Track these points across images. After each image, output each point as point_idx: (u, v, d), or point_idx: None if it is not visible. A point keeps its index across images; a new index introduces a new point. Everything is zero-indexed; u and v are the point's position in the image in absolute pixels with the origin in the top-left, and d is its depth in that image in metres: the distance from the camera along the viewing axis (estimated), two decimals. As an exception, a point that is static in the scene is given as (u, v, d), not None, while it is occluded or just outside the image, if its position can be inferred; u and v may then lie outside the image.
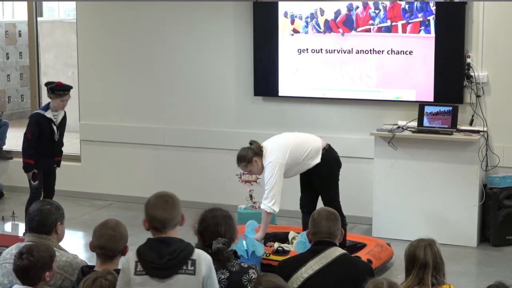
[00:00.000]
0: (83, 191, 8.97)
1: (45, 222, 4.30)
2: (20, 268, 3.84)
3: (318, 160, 6.43)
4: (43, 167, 7.42)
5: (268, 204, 6.38)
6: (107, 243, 3.90)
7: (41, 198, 7.28)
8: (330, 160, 6.52)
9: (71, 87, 7.35)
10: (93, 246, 3.94)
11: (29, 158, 7.30)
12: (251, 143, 6.51)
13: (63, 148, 7.62)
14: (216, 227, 4.05)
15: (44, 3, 13.59)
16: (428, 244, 4.01)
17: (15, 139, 11.02)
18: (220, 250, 3.97)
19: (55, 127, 7.32)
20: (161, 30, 8.52)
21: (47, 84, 7.35)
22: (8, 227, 6.30)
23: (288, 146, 6.42)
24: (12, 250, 4.29)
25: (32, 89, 9.62)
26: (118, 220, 4.04)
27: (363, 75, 7.71)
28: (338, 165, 6.60)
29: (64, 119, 7.44)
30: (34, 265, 3.82)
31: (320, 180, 6.49)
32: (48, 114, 7.28)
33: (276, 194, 6.34)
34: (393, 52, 7.55)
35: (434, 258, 3.98)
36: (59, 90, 7.23)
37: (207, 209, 4.18)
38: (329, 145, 6.57)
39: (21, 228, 6.06)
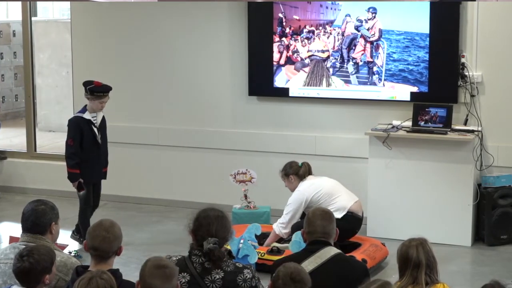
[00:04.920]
0: (78, 191, 8.94)
1: (39, 222, 4.27)
2: (20, 270, 3.80)
3: (338, 215, 6.31)
4: (94, 179, 7.09)
5: (281, 228, 6.60)
6: (100, 244, 3.88)
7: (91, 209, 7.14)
8: (348, 226, 6.44)
9: (110, 88, 6.95)
10: (87, 247, 3.94)
11: (73, 167, 6.87)
12: (303, 163, 6.72)
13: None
14: (208, 226, 4.04)
15: (38, 3, 13.54)
16: (419, 243, 4.02)
17: (9, 139, 11.03)
18: (211, 250, 3.96)
19: (95, 129, 6.96)
20: (156, 30, 8.51)
21: (85, 84, 6.93)
22: None
23: (322, 189, 6.59)
24: (6, 250, 4.27)
25: (26, 89, 9.59)
26: (113, 221, 4.01)
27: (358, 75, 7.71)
28: (348, 235, 6.56)
29: (103, 121, 7.10)
30: (35, 268, 3.78)
31: None
32: (87, 115, 6.90)
33: (291, 222, 6.55)
34: (387, 51, 7.56)
35: (427, 256, 3.99)
36: (99, 91, 6.85)
37: (201, 209, 4.18)
38: (352, 213, 6.58)
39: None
